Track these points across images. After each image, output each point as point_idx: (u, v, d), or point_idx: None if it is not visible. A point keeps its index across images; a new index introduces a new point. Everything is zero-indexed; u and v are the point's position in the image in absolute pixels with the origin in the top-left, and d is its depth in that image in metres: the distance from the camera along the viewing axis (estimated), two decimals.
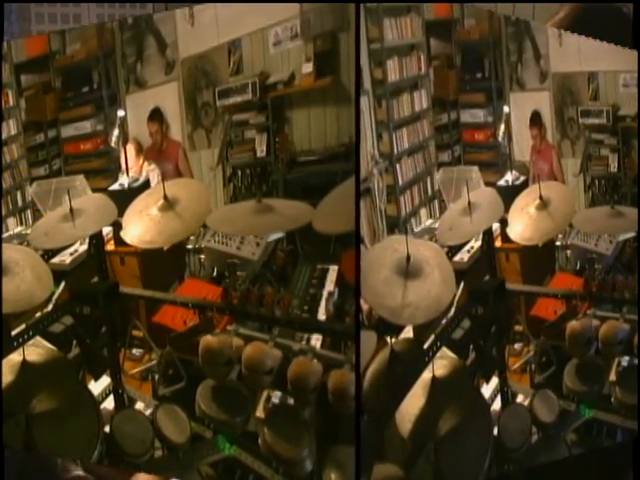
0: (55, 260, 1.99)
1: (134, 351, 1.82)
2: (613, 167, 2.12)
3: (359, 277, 1.32)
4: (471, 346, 1.69)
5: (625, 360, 2.13)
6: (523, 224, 1.84)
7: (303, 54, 1.41)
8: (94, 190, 1.92)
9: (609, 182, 2.12)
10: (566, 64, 1.96)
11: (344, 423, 1.33)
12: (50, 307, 1.98)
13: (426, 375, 1.54)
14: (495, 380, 1.78)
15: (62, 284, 1.97)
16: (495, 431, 1.76)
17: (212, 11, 1.60)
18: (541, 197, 1.87)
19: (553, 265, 1.95)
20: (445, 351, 1.61)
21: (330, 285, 1.39)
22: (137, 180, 1.81)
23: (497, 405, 1.79)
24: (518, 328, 1.85)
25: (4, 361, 1.97)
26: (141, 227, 1.77)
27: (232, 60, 1.56)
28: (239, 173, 1.53)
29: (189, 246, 1.65)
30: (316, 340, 1.42)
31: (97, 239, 1.91)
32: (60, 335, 2.00)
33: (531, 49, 1.82)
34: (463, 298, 1.65)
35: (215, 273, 1.59)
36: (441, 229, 1.62)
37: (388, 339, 1.44)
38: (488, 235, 1.74)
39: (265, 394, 1.50)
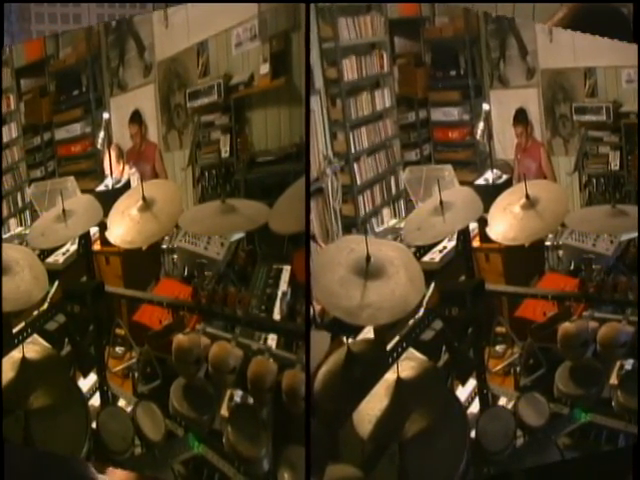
0: (50, 260, 2.05)
1: (117, 349, 1.86)
2: (614, 165, 2.07)
3: (309, 277, 1.32)
4: (444, 348, 1.67)
5: (628, 363, 2.08)
6: (506, 224, 1.81)
7: (261, 55, 1.42)
8: (83, 191, 1.96)
9: (609, 180, 2.06)
10: (558, 60, 1.92)
11: (296, 423, 1.34)
12: (45, 306, 2.04)
13: (390, 376, 1.53)
14: (473, 382, 1.76)
15: (56, 283, 2.02)
16: (473, 434, 1.74)
17: (184, 12, 1.62)
18: (527, 196, 1.83)
19: (542, 266, 1.92)
20: (413, 352, 1.59)
21: (284, 285, 1.40)
22: (120, 181, 1.85)
23: (476, 408, 1.77)
24: (500, 330, 1.82)
25: (5, 358, 2.04)
26: (123, 227, 1.81)
27: (200, 62, 1.57)
28: (206, 174, 1.54)
29: (164, 246, 1.68)
30: (272, 340, 1.43)
31: (85, 239, 1.95)
32: (54, 333, 2.06)
33: (516, 46, 1.79)
34: (434, 298, 1.63)
35: (186, 273, 1.61)
36: (408, 229, 1.60)
37: (344, 339, 1.44)
38: (464, 235, 1.72)
39: (229, 393, 1.51)
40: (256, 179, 1.44)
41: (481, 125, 1.72)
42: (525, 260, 1.88)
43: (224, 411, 1.51)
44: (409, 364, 1.58)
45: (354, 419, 1.45)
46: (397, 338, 1.55)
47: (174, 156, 1.66)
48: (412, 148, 1.61)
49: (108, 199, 1.86)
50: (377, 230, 1.53)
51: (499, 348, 1.83)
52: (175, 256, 1.66)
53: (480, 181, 1.70)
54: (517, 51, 1.78)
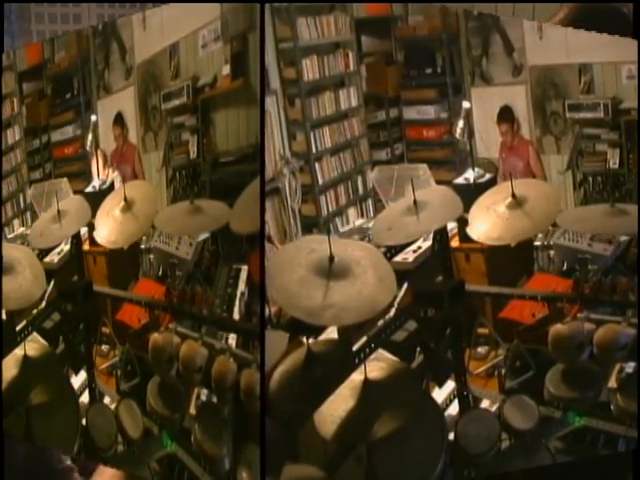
0: (47, 259, 2.10)
1: (103, 347, 1.89)
2: (613, 163, 2.02)
3: (264, 277, 1.33)
4: (418, 349, 1.65)
5: (629, 366, 2.03)
6: (489, 223, 1.78)
7: (223, 56, 1.43)
8: (75, 192, 2.01)
9: (607, 179, 2.02)
10: (548, 57, 1.89)
11: (253, 422, 1.34)
12: (43, 304, 2.08)
13: (356, 377, 1.52)
14: (451, 384, 1.74)
15: (52, 282, 2.07)
16: (452, 435, 1.72)
17: (159, 14, 1.64)
18: (514, 195, 1.80)
19: (531, 266, 1.88)
20: (382, 353, 1.59)
21: (242, 285, 1.40)
22: (105, 182, 1.88)
23: (455, 410, 1.75)
24: (483, 331, 1.79)
25: (9, 356, 2.10)
26: (107, 228, 1.84)
27: (172, 64, 1.59)
28: (177, 175, 1.56)
29: (142, 246, 1.70)
30: (232, 339, 1.44)
31: (76, 239, 1.99)
32: (50, 331, 2.10)
33: (501, 43, 1.76)
34: (407, 299, 1.62)
35: (160, 272, 1.63)
36: (377, 229, 1.59)
37: (304, 340, 1.44)
38: (441, 235, 1.70)
39: (196, 392, 1.53)
40: (219, 179, 1.45)
41: (461, 123, 1.70)
42: (511, 260, 1.85)
43: (192, 410, 1.52)
44: (378, 365, 1.57)
45: (315, 419, 1.45)
46: (364, 339, 1.54)
47: (150, 157, 1.68)
48: (382, 147, 1.60)
49: (96, 200, 1.90)
50: (342, 230, 1.52)
51: (481, 350, 1.80)
52: (152, 256, 1.68)
53: (460, 180, 1.68)
54: (502, 48, 1.76)
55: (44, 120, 2.15)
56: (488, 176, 1.76)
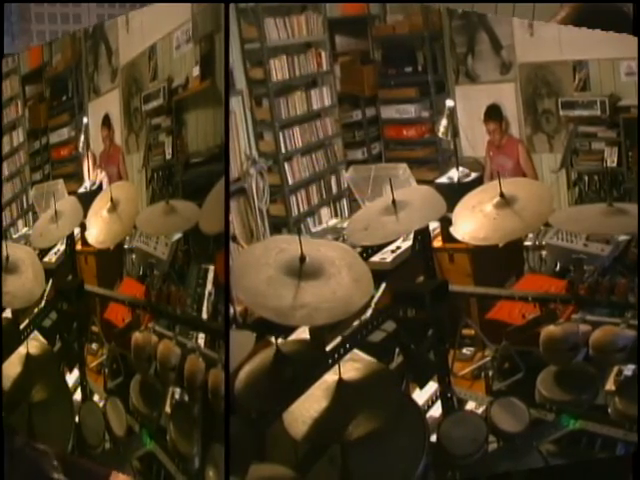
0: (46, 259, 2.14)
1: (93, 345, 1.92)
2: (611, 161, 1.98)
3: (228, 277, 1.33)
4: (397, 349, 1.64)
5: (628, 369, 1.99)
6: (475, 223, 1.76)
7: (194, 57, 1.44)
8: (69, 193, 2.04)
9: (604, 178, 1.98)
10: (540, 54, 1.86)
11: (219, 421, 1.35)
12: (43, 303, 2.12)
13: (330, 377, 1.52)
14: (434, 385, 1.72)
15: (50, 282, 2.11)
16: (435, 437, 1.71)
17: (140, 16, 1.66)
18: (502, 194, 1.78)
19: (521, 266, 1.86)
20: (358, 354, 1.58)
21: (209, 285, 1.41)
22: (95, 183, 1.90)
23: (438, 411, 1.73)
24: (468, 332, 1.77)
25: (14, 354, 2.15)
26: (96, 228, 1.87)
27: (151, 66, 1.61)
28: (155, 175, 1.57)
29: (126, 246, 1.72)
30: (201, 339, 1.44)
31: (71, 239, 2.02)
32: (49, 330, 2.14)
33: (488, 40, 1.74)
34: (385, 299, 1.61)
35: (141, 272, 1.65)
36: (352, 229, 1.58)
37: (273, 339, 1.44)
38: (422, 235, 1.68)
39: (171, 390, 1.54)
40: (190, 180, 1.46)
41: (444, 122, 1.68)
42: (499, 260, 1.82)
43: (168, 408, 1.53)
44: (354, 365, 1.56)
45: (285, 419, 1.45)
46: (339, 339, 1.53)
47: (133, 158, 1.70)
48: (358, 147, 1.59)
49: (87, 200, 1.92)
50: (314, 230, 1.52)
51: (467, 351, 1.78)
52: (134, 256, 1.70)
53: (443, 179, 1.66)
54: (489, 46, 1.73)
55: (44, 122, 2.18)
56: (474, 175, 1.74)
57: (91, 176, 1.92)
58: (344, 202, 1.56)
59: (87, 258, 1.95)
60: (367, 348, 1.59)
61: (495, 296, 1.83)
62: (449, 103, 1.72)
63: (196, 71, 1.43)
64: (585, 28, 1.86)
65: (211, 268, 1.41)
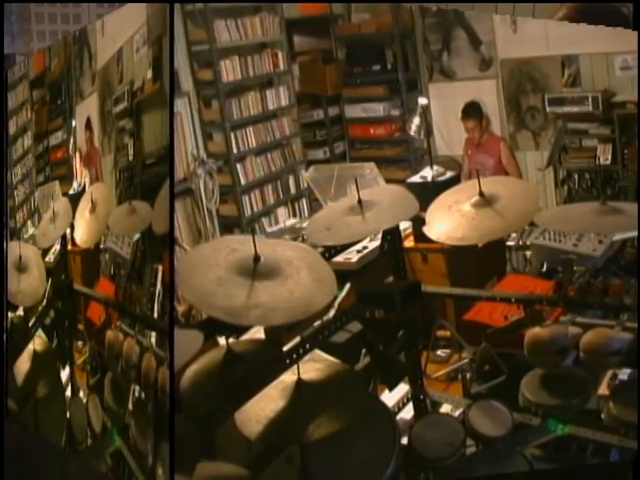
0: (46, 259, 2.20)
1: (79, 343, 1.96)
2: (604, 159, 1.92)
3: (173, 277, 1.35)
4: (363, 350, 1.62)
5: (624, 373, 1.94)
6: (452, 223, 1.72)
7: (148, 60, 1.46)
8: (63, 195, 2.09)
9: (597, 176, 1.92)
10: (524, 49, 1.81)
11: (165, 419, 1.36)
12: (45, 302, 2.19)
13: (288, 377, 1.51)
14: (405, 387, 1.69)
15: (49, 281, 2.16)
16: (406, 439, 1.68)
17: (111, 20, 1.69)
18: (482, 193, 1.74)
19: (502, 267, 1.81)
20: (319, 354, 1.57)
21: (159, 284, 1.43)
22: (81, 185, 1.95)
23: (409, 413, 1.71)
24: (443, 333, 1.74)
25: (25, 350, 2.22)
26: (81, 228, 1.91)
27: (119, 69, 1.63)
28: (122, 176, 1.60)
29: (101, 245, 1.75)
30: (153, 337, 1.46)
31: (63, 239, 2.07)
32: (48, 327, 2.20)
33: (465, 37, 1.70)
34: (350, 300, 1.59)
35: (112, 271, 1.68)
36: (313, 229, 1.56)
37: (223, 339, 1.44)
38: (392, 234, 1.66)
39: (132, 388, 1.56)
40: (146, 181, 1.48)
41: (416, 120, 1.65)
42: (478, 261, 1.78)
43: (130, 406, 1.56)
44: (314, 366, 1.55)
45: (237, 419, 1.45)
46: (298, 339, 1.53)
47: (107, 160, 1.73)
48: (319, 146, 1.58)
49: (76, 202, 1.97)
50: (269, 230, 1.51)
51: (442, 353, 1.75)
52: (107, 255, 1.73)
53: (415, 178, 1.63)
54: (467, 42, 1.69)
55: (45, 126, 2.24)
56: (450, 174, 1.71)
57: (78, 177, 1.96)
58: (304, 202, 1.55)
59: (75, 258, 2.00)
60: (330, 349, 1.57)
61: (474, 297, 1.79)
62: (422, 101, 1.68)
63: (149, 74, 1.45)
64: (575, 23, 1.81)
65: (160, 268, 1.43)
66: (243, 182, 1.47)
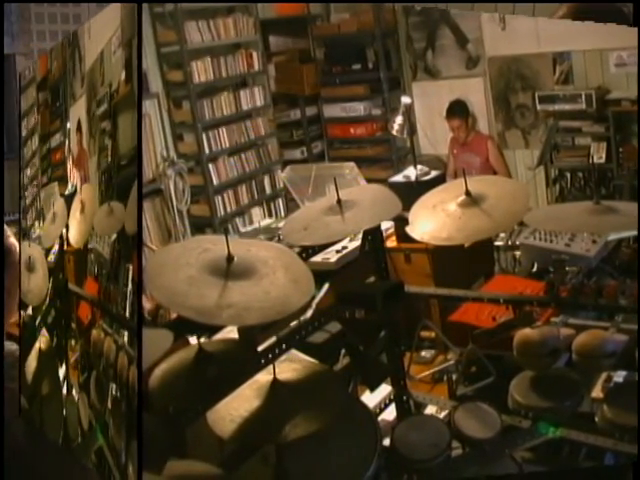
0: (48, 259, 2.24)
1: (72, 341, 1.99)
2: (598, 157, 1.88)
3: (141, 276, 1.36)
4: (343, 351, 1.61)
5: (619, 375, 1.91)
6: (437, 222, 1.71)
7: (122, 62, 1.47)
8: (60, 196, 2.12)
9: (590, 174, 1.88)
10: (513, 47, 1.79)
11: (134, 418, 1.38)
12: (47, 301, 2.23)
13: (263, 377, 1.51)
14: (387, 388, 1.68)
15: (51, 280, 2.20)
16: (389, 441, 1.68)
17: (96, 21, 1.71)
18: (468, 193, 1.72)
19: (490, 267, 1.78)
20: (296, 354, 1.57)
21: (130, 284, 1.44)
22: (74, 186, 1.98)
23: (392, 414, 1.70)
24: (428, 334, 1.72)
25: (33, 350, 2.26)
26: (73, 229, 1.94)
27: (101, 70, 1.66)
28: (103, 178, 1.62)
29: (89, 246, 1.78)
30: (126, 336, 1.47)
31: (61, 239, 2.11)
32: (50, 326, 2.24)
33: (451, 35, 1.68)
34: (329, 300, 1.58)
35: (96, 270, 1.70)
36: (290, 229, 1.56)
37: (194, 338, 1.44)
38: (374, 234, 1.65)
39: (111, 386, 1.58)
40: (120, 182, 1.50)
41: (399, 119, 1.63)
42: (465, 261, 1.76)
43: (109, 404, 1.57)
44: (291, 366, 1.55)
45: (209, 418, 1.46)
46: (274, 339, 1.53)
47: (92, 161, 1.75)
48: (296, 146, 1.58)
49: (70, 202, 2.00)
50: (243, 230, 1.51)
51: (426, 354, 1.73)
52: (92, 255, 1.75)
53: (398, 178, 1.61)
54: (453, 40, 1.67)
55: (48, 128, 2.28)
56: (434, 173, 1.69)
57: (71, 179, 1.99)
58: (280, 202, 1.55)
59: (69, 258, 2.03)
60: (308, 349, 1.57)
61: (460, 298, 1.77)
62: (405, 100, 1.67)
63: (123, 75, 1.47)
64: (567, 20, 1.78)
65: (131, 267, 1.44)
66: (216, 182, 1.46)
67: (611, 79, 1.83)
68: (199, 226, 1.49)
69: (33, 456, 2.30)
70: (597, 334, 1.85)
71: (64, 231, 2.11)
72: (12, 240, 2.13)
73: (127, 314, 1.46)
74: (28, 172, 2.47)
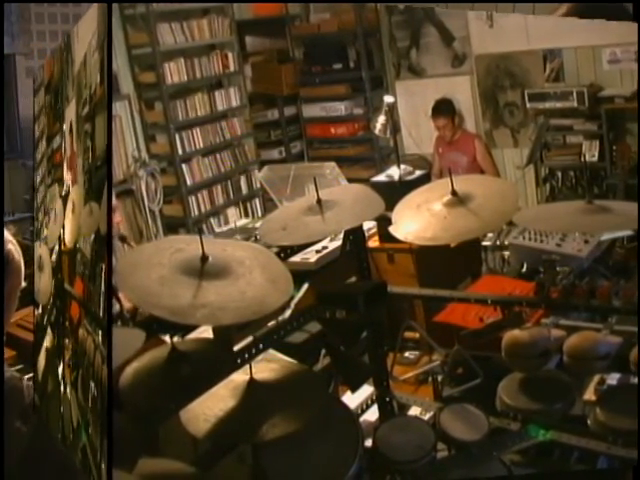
0: (52, 258, 2.28)
1: (66, 340, 2.01)
2: (590, 156, 1.84)
3: (110, 276, 1.37)
4: (323, 351, 1.61)
5: (612, 378, 1.88)
6: (421, 222, 1.69)
7: (98, 64, 1.49)
8: (59, 196, 2.16)
9: (582, 173, 1.85)
10: (501, 44, 1.77)
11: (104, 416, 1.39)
12: (51, 300, 2.27)
13: (239, 377, 1.52)
14: (369, 389, 1.67)
15: (53, 280, 2.24)
16: (371, 442, 1.67)
17: (82, 24, 1.73)
18: (454, 192, 1.71)
19: (477, 267, 1.76)
20: (274, 354, 1.56)
21: (103, 283, 1.45)
22: (67, 187, 2.00)
23: (374, 415, 1.68)
24: (412, 335, 1.71)
25: (43, 349, 2.30)
26: (66, 229, 1.97)
27: (85, 73, 1.68)
28: (85, 179, 1.65)
29: (78, 245, 1.80)
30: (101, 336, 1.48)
31: (59, 240, 2.14)
32: (53, 325, 2.28)
33: (436, 34, 1.66)
34: (308, 300, 1.58)
35: (81, 270, 1.72)
36: (267, 229, 1.56)
37: (167, 338, 1.45)
38: (355, 234, 1.64)
39: (91, 384, 1.59)
40: (96, 183, 1.51)
41: (381, 119, 1.61)
42: (450, 261, 1.74)
43: (90, 402, 1.59)
44: (268, 366, 1.55)
45: (182, 417, 1.46)
46: (250, 339, 1.53)
47: (79, 162, 1.77)
48: (274, 146, 1.57)
49: (66, 203, 2.03)
50: (218, 230, 1.52)
51: (410, 355, 1.72)
52: (79, 255, 1.77)
53: (381, 177, 1.60)
54: (438, 39, 1.65)
55: (51, 129, 2.32)
56: (419, 173, 1.67)
57: (65, 179, 2.02)
58: (256, 202, 1.55)
59: (65, 258, 2.06)
60: (287, 349, 1.57)
61: (445, 298, 1.75)
62: (388, 99, 1.66)
63: (98, 78, 1.48)
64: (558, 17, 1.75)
65: (103, 267, 1.45)
66: (189, 182, 1.46)
67: (604, 76, 1.79)
68: (172, 226, 1.49)
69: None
70: (589, 336, 1.82)
71: (62, 231, 2.14)
72: (10, 246, 2.17)
73: (101, 313, 1.47)
74: (39, 173, 2.51)
